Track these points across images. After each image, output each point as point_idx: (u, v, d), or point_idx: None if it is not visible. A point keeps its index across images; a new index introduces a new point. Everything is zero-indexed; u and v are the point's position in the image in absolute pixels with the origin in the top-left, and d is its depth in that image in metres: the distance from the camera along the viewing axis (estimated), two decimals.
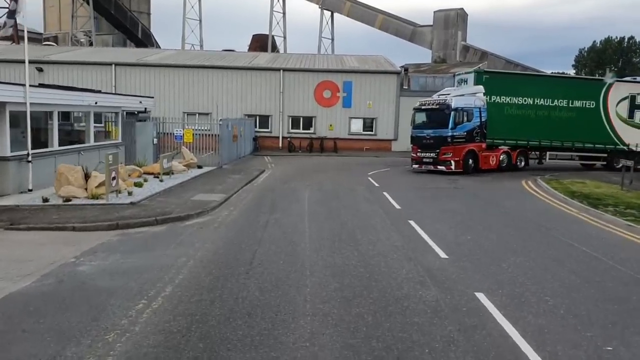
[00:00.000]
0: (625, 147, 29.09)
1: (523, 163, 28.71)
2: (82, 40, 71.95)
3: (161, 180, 19.72)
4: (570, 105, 28.45)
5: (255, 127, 38.96)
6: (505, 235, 12.30)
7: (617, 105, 29.23)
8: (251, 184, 21.03)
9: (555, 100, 28.26)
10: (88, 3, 68.28)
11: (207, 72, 38.97)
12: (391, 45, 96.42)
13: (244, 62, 40.55)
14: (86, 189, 15.99)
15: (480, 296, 7.99)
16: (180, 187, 18.81)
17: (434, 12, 79.85)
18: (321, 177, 23.67)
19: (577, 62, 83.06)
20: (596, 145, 29.14)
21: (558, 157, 29.81)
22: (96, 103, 20.69)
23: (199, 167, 25.19)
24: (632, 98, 29.58)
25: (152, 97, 28.88)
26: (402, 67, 40.75)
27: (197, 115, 38.90)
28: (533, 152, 29.23)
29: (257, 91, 38.94)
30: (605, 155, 29.79)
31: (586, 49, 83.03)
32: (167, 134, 27.79)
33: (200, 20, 77.93)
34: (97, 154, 20.50)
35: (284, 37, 78.90)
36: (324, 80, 38.82)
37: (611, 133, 29.09)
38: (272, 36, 75.33)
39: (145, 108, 27.73)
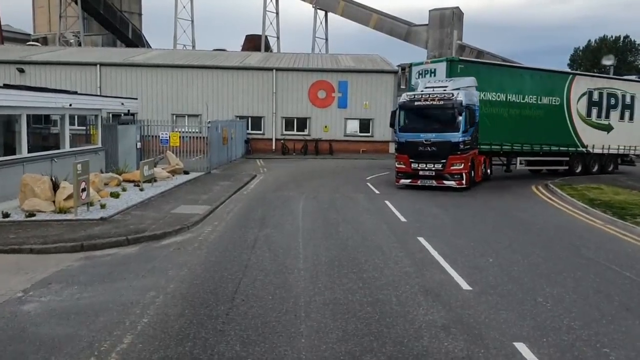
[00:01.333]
0: (584, 150, 26.47)
1: (489, 171, 24.31)
2: (71, 41, 69.92)
3: (141, 189, 17.89)
4: (539, 102, 24.55)
5: (247, 129, 37.16)
6: (532, 256, 10.52)
7: (577, 102, 26.07)
8: (240, 192, 19.22)
9: (527, 97, 24.08)
10: (76, 3, 66.23)
11: (197, 72, 37.12)
12: (386, 45, 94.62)
13: (235, 62, 38.74)
14: (54, 202, 14.15)
15: (522, 348, 6.22)
16: (161, 197, 16.97)
17: (430, 10, 78.11)
18: (317, 183, 21.89)
19: (572, 61, 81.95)
20: (560, 148, 25.69)
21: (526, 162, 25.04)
22: (70, 105, 18.82)
23: (186, 172, 23.37)
24: (590, 94, 26.59)
25: (136, 99, 27.04)
26: (399, 66, 39.01)
27: (186, 117, 37.09)
28: (500, 158, 25.18)
29: (249, 92, 37.14)
30: (567, 159, 26.29)
31: (581, 48, 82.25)
32: (153, 137, 25.92)
33: (192, 21, 76.10)
34: (73, 161, 18.65)
35: (277, 38, 77.04)
36: (319, 80, 37.06)
37: (573, 134, 25.97)
38: (266, 36, 73.52)
39: (129, 110, 25.86)
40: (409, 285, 8.52)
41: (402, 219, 14.27)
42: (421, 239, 11.73)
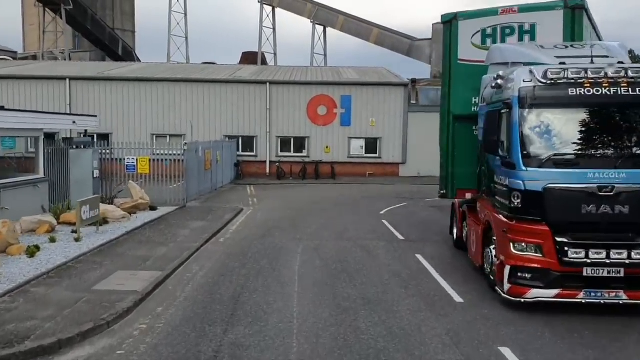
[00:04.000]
0: None
1: None
2: (58, 58, 65.23)
3: (77, 239, 12.65)
4: None
5: (238, 150, 32.00)
6: None
7: None
8: (216, 238, 13.96)
9: None
10: (61, 17, 61.63)
11: (181, 87, 32.07)
12: (387, 61, 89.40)
13: (225, 75, 33.71)
14: None
15: None
16: (98, 253, 11.67)
17: (433, 24, 73.52)
18: (318, 222, 16.63)
19: None
20: None
21: None
22: None
23: (152, 208, 18.14)
24: None
25: (95, 116, 21.83)
26: (409, 80, 34.01)
27: (168, 137, 31.94)
28: None
29: (240, 108, 32.06)
30: None
31: None
32: (119, 161, 20.71)
33: (187, 38, 71.81)
34: None
35: (275, 54, 72.59)
36: (319, 95, 32.01)
37: None
38: (262, 53, 68.98)
39: (86, 130, 20.72)
40: None
41: (456, 296, 8.96)
42: (505, 351, 6.49)
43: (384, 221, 16.93)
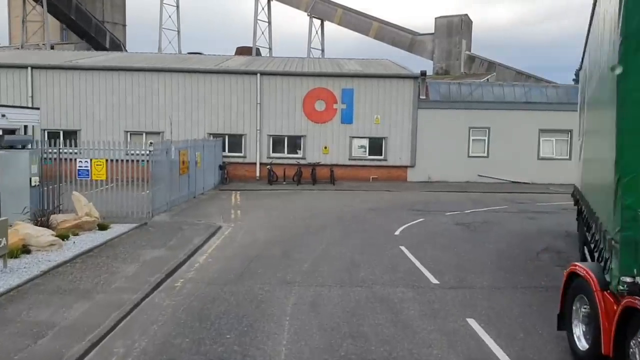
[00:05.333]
0: None
1: None
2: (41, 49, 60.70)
3: None
4: None
5: (224, 150, 27.70)
6: None
7: None
8: (171, 281, 9.66)
9: None
10: (42, 5, 57.16)
11: (159, 78, 27.71)
12: (387, 57, 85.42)
13: (210, 65, 29.34)
14: None
15: None
16: None
17: (436, 18, 69.61)
18: (316, 252, 12.28)
19: (577, 75, 74.11)
20: None
21: None
22: None
23: (102, 227, 13.85)
24: None
25: (37, 109, 17.50)
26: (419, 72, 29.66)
27: (144, 135, 27.65)
28: None
29: (227, 103, 27.74)
30: None
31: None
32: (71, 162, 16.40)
33: (179, 31, 67.54)
34: None
35: (270, 48, 68.29)
36: (317, 88, 27.71)
37: None
38: (257, 48, 64.62)
39: (26, 126, 16.38)
40: None
41: None
42: None
43: (402, 248, 12.66)
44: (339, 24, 71.40)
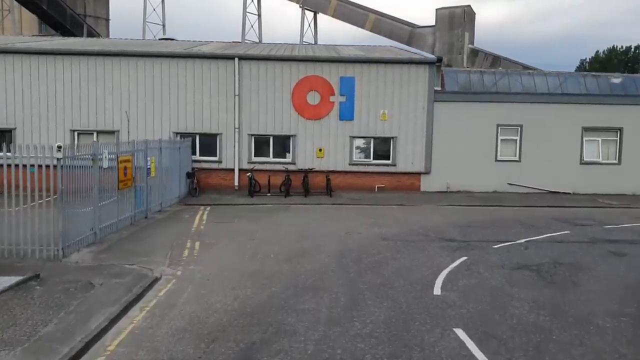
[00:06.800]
0: None
1: None
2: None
3: None
4: None
5: (194, 153, 21.94)
6: None
7: None
8: None
9: None
10: None
11: (114, 65, 21.84)
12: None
13: (179, 50, 23.47)
14: None
15: None
16: None
17: (437, 9, 64.16)
18: (307, 350, 6.70)
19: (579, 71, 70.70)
20: None
21: None
22: None
23: None
24: None
25: None
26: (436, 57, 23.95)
27: (95, 134, 21.88)
28: None
29: (197, 94, 21.95)
30: None
31: (588, 59, 71.51)
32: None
33: (164, 25, 62.04)
34: None
35: (260, 42, 62.54)
36: (309, 76, 22.00)
37: None
38: (246, 42, 58.90)
39: None
40: None
41: None
42: None
43: (460, 335, 7.01)
44: (333, 16, 65.95)
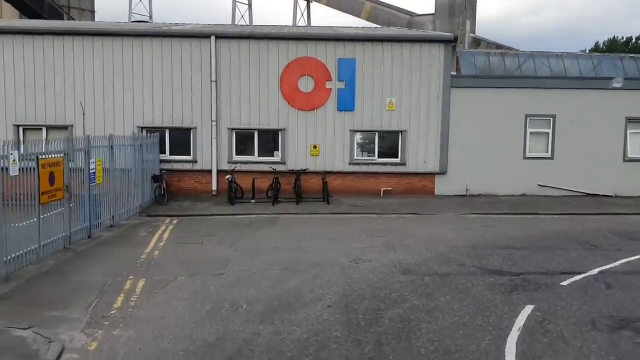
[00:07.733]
0: None
1: None
2: None
3: None
4: None
5: (163, 152, 18.05)
6: None
7: None
8: None
9: None
10: None
11: (65, 46, 17.89)
12: None
13: (147, 28, 19.53)
14: None
15: None
16: None
17: None
18: None
19: None
20: None
21: None
22: None
23: None
24: None
25: None
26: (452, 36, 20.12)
27: (44, 130, 17.98)
28: None
29: (167, 81, 18.03)
30: None
31: (587, 50, 68.47)
32: None
33: (151, 16, 58.01)
34: None
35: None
36: (302, 58, 18.13)
37: None
38: None
39: None
40: None
41: None
42: None
43: None
44: (327, 5, 62.29)
